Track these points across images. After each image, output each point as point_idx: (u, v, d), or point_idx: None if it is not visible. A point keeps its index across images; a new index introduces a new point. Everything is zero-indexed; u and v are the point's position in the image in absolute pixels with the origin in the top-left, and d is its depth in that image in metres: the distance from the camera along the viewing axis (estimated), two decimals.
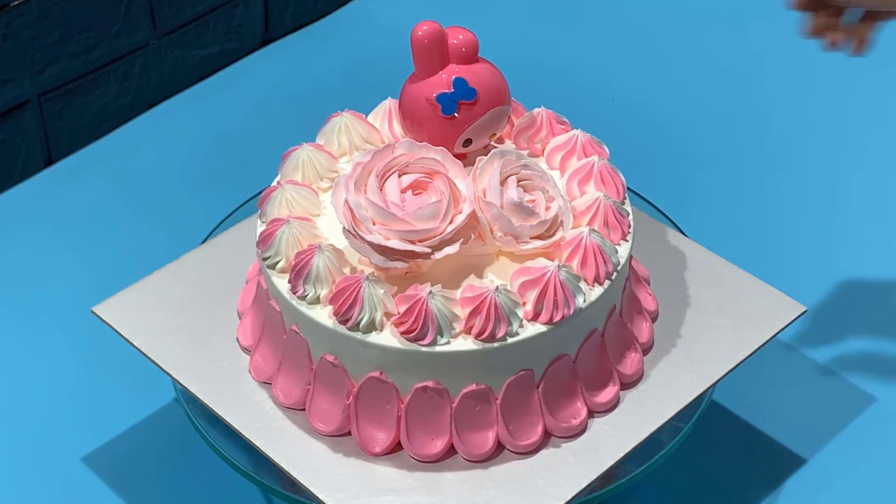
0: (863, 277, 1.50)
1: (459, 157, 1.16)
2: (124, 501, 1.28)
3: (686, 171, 1.66)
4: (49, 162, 1.68)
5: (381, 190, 1.10)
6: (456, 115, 1.15)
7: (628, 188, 1.23)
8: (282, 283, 1.13)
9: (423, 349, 1.07)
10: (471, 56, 1.16)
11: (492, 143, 1.21)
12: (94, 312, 1.24)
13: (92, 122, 1.70)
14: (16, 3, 1.55)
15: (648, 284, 1.26)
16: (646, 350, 1.20)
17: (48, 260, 1.55)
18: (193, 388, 1.17)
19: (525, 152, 1.22)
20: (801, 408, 1.36)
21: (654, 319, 1.23)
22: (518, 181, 1.13)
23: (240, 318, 1.24)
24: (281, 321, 1.15)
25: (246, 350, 1.21)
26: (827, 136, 1.71)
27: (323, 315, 1.10)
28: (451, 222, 1.10)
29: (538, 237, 1.12)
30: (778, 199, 1.62)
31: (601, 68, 1.83)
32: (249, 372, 1.19)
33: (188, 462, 1.30)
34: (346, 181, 1.11)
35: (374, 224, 1.10)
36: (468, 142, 1.17)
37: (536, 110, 1.23)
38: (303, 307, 1.11)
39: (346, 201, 1.10)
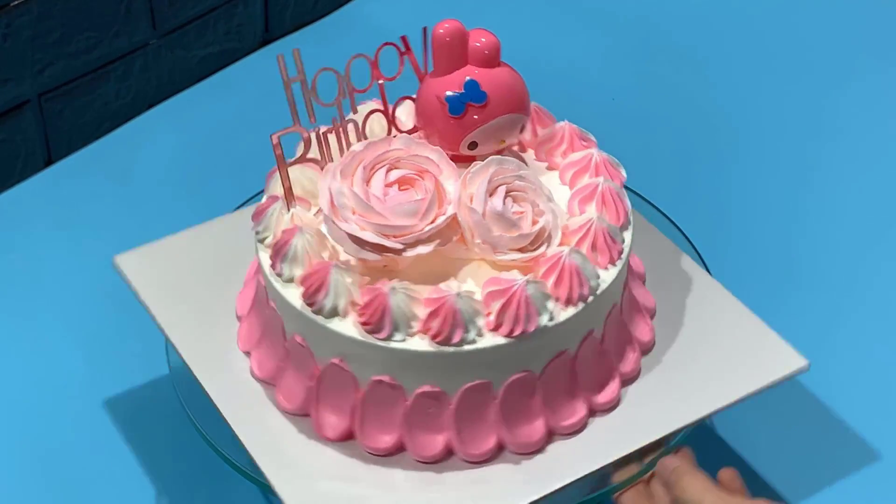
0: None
1: (466, 158, 1.16)
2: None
3: (688, 171, 1.67)
4: (49, 162, 1.68)
5: (366, 182, 1.11)
6: (463, 116, 1.15)
7: (629, 188, 1.23)
8: (266, 260, 1.15)
9: (379, 343, 1.08)
10: (491, 59, 1.16)
11: (510, 150, 1.21)
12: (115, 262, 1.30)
13: (92, 122, 1.70)
14: (16, 3, 1.55)
15: (651, 316, 1.24)
16: (629, 379, 1.19)
17: (48, 260, 1.55)
18: (178, 343, 1.21)
19: (542, 164, 1.23)
20: (798, 448, 1.34)
21: (646, 351, 1.22)
22: (508, 191, 1.12)
23: (244, 287, 1.26)
24: (266, 296, 1.17)
25: (240, 319, 1.24)
26: (827, 140, 1.71)
27: (295, 295, 1.12)
28: (431, 222, 1.09)
29: (520, 250, 1.11)
30: (774, 209, 1.62)
31: (601, 67, 1.83)
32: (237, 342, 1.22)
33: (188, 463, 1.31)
34: (334, 168, 1.12)
35: (352, 213, 1.10)
36: (473, 144, 1.17)
37: (560, 124, 1.23)
38: (278, 285, 1.13)
39: (329, 187, 1.10)
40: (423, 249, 1.10)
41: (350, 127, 1.18)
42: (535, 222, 1.12)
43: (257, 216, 1.17)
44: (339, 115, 1.18)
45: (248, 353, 1.21)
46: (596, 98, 1.76)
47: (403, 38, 1.19)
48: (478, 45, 1.15)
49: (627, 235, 1.17)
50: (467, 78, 1.15)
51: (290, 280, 1.12)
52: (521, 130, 1.19)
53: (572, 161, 1.21)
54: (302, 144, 1.16)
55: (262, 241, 1.16)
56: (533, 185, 1.13)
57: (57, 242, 1.57)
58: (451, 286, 1.08)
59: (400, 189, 1.11)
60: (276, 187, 1.19)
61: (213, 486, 1.29)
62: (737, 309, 1.25)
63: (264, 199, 1.19)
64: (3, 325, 1.46)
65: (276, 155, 1.14)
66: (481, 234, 1.10)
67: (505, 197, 1.11)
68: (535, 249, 1.12)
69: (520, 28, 1.90)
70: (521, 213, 1.11)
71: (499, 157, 1.14)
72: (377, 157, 1.12)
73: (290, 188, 1.15)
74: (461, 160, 1.16)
